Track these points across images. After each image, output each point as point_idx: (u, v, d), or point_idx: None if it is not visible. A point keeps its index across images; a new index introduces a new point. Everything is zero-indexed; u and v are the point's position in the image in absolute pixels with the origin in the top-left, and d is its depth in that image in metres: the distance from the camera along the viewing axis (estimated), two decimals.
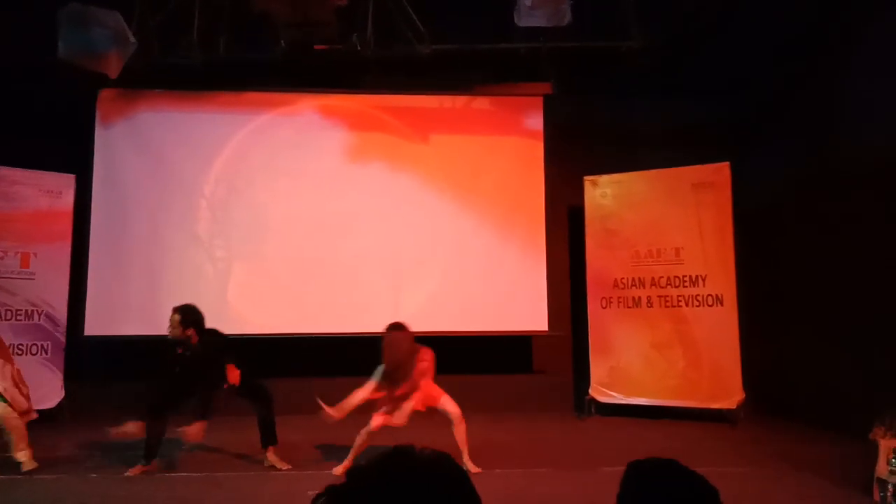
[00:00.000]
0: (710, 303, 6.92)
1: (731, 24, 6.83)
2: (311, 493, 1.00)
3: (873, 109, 5.98)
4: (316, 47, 6.74)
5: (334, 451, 5.40)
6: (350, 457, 4.90)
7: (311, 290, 7.36)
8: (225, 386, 4.95)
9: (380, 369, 4.97)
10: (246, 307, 7.36)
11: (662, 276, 7.18)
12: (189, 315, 4.98)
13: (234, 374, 4.88)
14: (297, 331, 7.28)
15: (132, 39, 5.75)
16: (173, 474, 4.84)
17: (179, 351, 5.00)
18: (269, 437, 5.14)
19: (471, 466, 4.85)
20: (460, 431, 4.95)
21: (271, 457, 5.10)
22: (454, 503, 0.96)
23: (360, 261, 7.50)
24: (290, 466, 5.05)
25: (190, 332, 4.96)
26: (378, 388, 4.98)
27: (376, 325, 7.37)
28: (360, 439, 4.92)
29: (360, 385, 5.04)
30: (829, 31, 6.63)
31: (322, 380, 7.02)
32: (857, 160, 6.10)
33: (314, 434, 6.06)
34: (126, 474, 4.80)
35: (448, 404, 5.02)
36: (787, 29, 6.81)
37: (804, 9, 6.52)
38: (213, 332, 5.15)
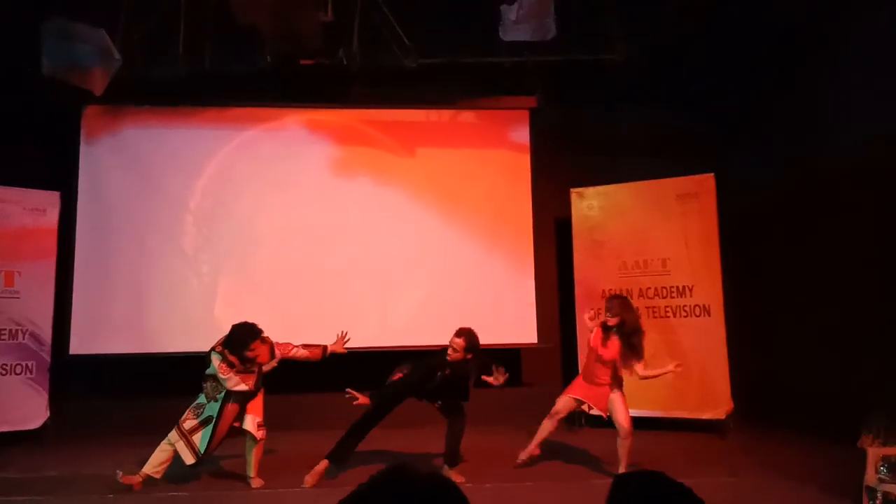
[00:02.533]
0: (697, 313, 6.95)
1: (710, 35, 6.91)
2: None
3: (853, 116, 6.06)
4: (302, 61, 6.75)
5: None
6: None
7: (297, 304, 7.32)
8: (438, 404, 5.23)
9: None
10: (233, 322, 7.28)
11: (650, 287, 7.20)
12: (474, 341, 5.11)
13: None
14: None
15: (117, 56, 5.73)
16: (159, 493, 4.77)
17: (447, 372, 5.08)
18: (452, 458, 5.16)
19: None
20: (625, 446, 5.03)
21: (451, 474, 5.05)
22: None
23: (346, 275, 7.47)
24: (463, 479, 4.94)
25: (469, 356, 5.06)
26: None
27: (364, 338, 7.34)
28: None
29: (349, 402, 5.03)
30: (808, 39, 6.72)
31: (310, 395, 7.01)
32: (838, 167, 6.17)
33: (304, 449, 6.01)
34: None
35: (620, 413, 5.09)
36: (765, 38, 6.91)
37: (783, 19, 6.61)
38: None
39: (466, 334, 5.12)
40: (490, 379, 5.16)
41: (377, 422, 5.14)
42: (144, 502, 4.60)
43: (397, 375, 5.21)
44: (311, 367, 6.29)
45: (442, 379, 5.13)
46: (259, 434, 4.99)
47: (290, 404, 7.22)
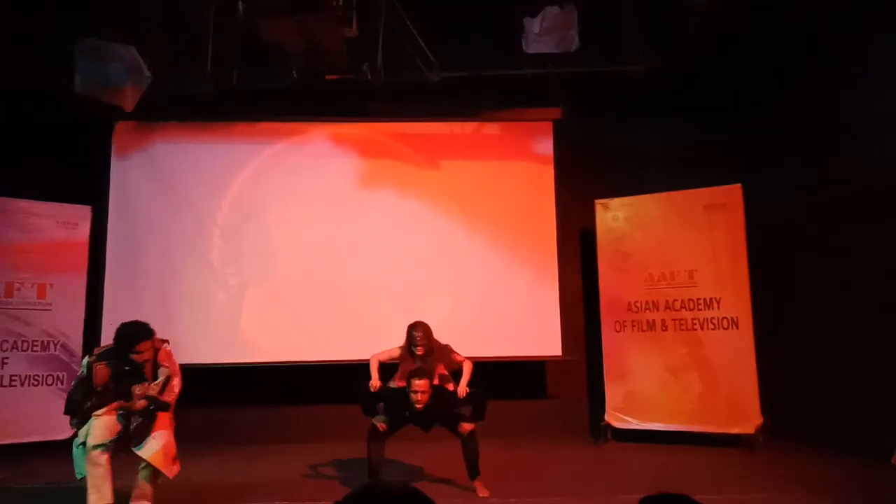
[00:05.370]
0: (725, 325, 6.85)
1: (736, 44, 6.86)
2: None
3: (882, 126, 5.95)
4: (327, 77, 6.84)
5: (355, 479, 5.35)
6: None
7: (322, 317, 7.36)
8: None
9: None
10: (258, 335, 7.37)
11: (676, 299, 7.12)
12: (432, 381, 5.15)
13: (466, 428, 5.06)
14: (310, 358, 7.28)
15: (147, 73, 5.86)
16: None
17: (419, 408, 5.00)
18: (472, 471, 5.09)
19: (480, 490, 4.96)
20: None
21: (478, 485, 5.05)
22: None
23: (371, 287, 7.50)
24: (488, 494, 4.96)
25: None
26: None
27: None
28: None
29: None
30: (835, 49, 6.64)
31: (334, 407, 7.02)
32: (868, 178, 6.06)
33: (329, 460, 6.03)
34: None
35: None
36: (792, 48, 6.83)
37: (808, 29, 6.54)
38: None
39: (428, 375, 5.09)
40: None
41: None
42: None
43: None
44: (335, 381, 6.34)
45: (418, 416, 5.04)
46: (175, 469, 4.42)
47: (315, 416, 7.28)
